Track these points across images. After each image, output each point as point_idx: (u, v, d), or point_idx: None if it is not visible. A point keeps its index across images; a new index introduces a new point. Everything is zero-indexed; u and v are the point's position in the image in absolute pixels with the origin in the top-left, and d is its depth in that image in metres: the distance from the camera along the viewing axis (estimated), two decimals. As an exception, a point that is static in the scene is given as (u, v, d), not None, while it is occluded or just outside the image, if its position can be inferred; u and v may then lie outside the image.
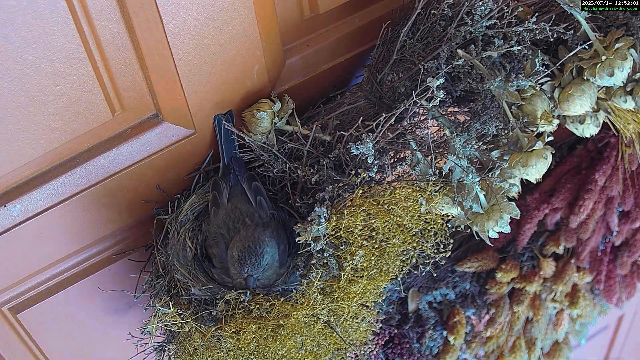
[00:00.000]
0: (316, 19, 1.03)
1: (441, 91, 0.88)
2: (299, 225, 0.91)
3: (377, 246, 0.93)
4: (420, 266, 0.96)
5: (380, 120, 0.92)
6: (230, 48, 0.92)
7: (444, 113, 0.98)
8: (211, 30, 0.88)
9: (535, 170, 0.91)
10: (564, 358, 1.63)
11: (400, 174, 0.96)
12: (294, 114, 1.02)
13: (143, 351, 1.06)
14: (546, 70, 0.94)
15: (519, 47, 0.92)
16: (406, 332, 1.41)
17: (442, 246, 0.95)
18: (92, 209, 0.99)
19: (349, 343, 1.02)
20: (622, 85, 0.94)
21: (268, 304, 0.96)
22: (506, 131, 0.94)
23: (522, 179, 0.95)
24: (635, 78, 0.96)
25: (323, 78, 1.08)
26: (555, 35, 0.92)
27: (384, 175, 0.95)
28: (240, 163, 1.01)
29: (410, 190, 0.92)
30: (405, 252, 0.95)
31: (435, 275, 1.41)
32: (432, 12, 0.96)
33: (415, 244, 0.94)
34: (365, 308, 1.01)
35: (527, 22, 0.92)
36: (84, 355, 1.19)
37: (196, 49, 0.89)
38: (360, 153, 0.89)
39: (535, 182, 0.93)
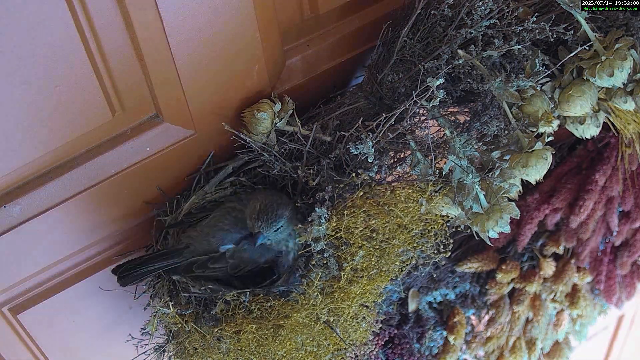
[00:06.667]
0: (316, 19, 1.03)
1: (441, 91, 0.88)
2: (300, 225, 0.91)
3: (377, 247, 0.93)
4: (420, 266, 0.96)
5: (380, 121, 0.92)
6: (231, 48, 0.92)
7: (444, 113, 0.98)
8: (211, 30, 0.88)
9: (536, 171, 0.91)
10: (564, 358, 1.63)
11: (400, 174, 0.96)
12: (294, 114, 1.02)
13: (144, 352, 1.07)
14: (546, 70, 0.94)
15: (519, 47, 0.92)
16: (406, 333, 1.41)
17: (442, 246, 0.95)
18: (92, 209, 0.98)
19: (349, 343, 1.02)
20: (622, 86, 0.94)
21: (268, 304, 0.96)
22: (506, 131, 0.94)
23: (522, 179, 0.95)
24: (636, 78, 0.96)
25: (323, 78, 1.08)
26: (555, 36, 0.92)
27: (384, 175, 0.95)
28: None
29: (410, 190, 0.92)
30: (405, 253, 0.95)
31: (435, 275, 1.42)
32: (432, 12, 0.96)
33: (415, 245, 0.94)
34: (365, 308, 1.01)
35: (527, 22, 0.92)
36: (84, 355, 1.19)
37: (196, 50, 0.89)
38: (360, 153, 0.89)
39: (535, 183, 0.93)
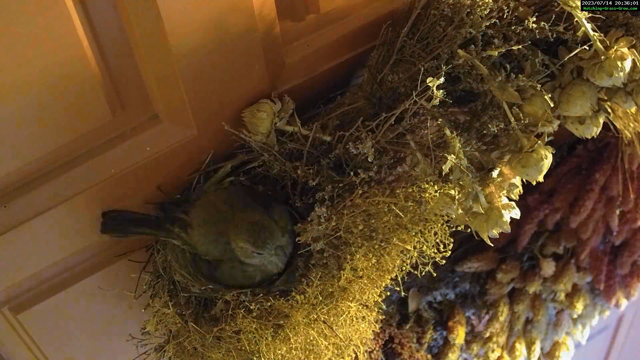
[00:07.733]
0: (316, 19, 1.03)
1: (441, 91, 0.88)
2: (299, 225, 0.91)
3: (377, 246, 0.93)
4: (420, 266, 0.96)
5: (380, 121, 0.92)
6: (230, 48, 0.92)
7: (443, 113, 0.98)
8: (211, 30, 0.88)
9: (536, 171, 0.91)
10: (564, 358, 1.63)
11: (400, 174, 0.96)
12: (294, 114, 1.02)
13: (144, 352, 1.07)
14: (546, 70, 0.94)
15: (519, 47, 0.92)
16: (406, 333, 1.41)
17: (442, 246, 0.95)
18: (92, 209, 0.99)
19: (349, 343, 1.02)
20: (622, 86, 0.94)
21: (268, 304, 0.96)
22: (506, 131, 0.94)
23: (522, 179, 0.95)
24: (636, 78, 0.96)
25: (323, 78, 1.08)
26: (555, 36, 0.92)
27: (384, 175, 0.95)
28: None
29: (410, 190, 0.92)
30: (405, 252, 0.95)
31: (435, 275, 1.41)
32: (432, 12, 0.96)
33: (415, 244, 0.94)
34: (365, 308, 1.01)
35: (527, 22, 0.92)
36: (84, 355, 1.19)
37: (196, 49, 0.89)
38: (360, 152, 0.89)
39: (535, 183, 0.93)
